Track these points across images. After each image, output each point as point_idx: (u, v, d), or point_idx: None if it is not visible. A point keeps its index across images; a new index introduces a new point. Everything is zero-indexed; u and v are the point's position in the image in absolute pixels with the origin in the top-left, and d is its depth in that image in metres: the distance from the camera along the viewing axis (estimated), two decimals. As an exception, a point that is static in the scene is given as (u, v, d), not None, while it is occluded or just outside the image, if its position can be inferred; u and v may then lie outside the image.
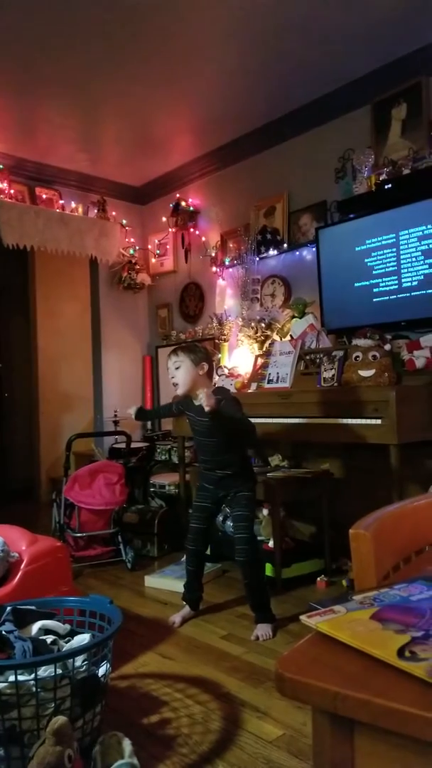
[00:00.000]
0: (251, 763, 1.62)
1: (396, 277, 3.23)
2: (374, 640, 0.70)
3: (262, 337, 3.98)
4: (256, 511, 2.66)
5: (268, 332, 3.97)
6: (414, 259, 3.15)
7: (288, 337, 3.79)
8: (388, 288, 3.28)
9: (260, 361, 3.74)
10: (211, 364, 2.60)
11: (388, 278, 3.27)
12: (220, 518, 3.28)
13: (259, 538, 3.30)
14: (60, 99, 3.73)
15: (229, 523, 3.08)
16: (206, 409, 2.27)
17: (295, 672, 0.67)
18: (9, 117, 3.93)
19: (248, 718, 1.85)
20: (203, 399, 2.26)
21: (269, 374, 3.42)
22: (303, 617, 0.78)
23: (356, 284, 3.42)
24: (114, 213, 4.97)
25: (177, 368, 2.50)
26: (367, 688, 0.62)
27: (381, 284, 3.31)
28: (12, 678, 1.46)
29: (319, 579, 3.02)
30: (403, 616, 0.77)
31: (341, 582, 3.00)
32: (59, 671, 1.51)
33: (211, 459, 2.59)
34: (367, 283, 3.37)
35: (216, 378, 3.97)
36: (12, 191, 4.41)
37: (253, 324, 4.02)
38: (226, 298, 4.61)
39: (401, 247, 3.20)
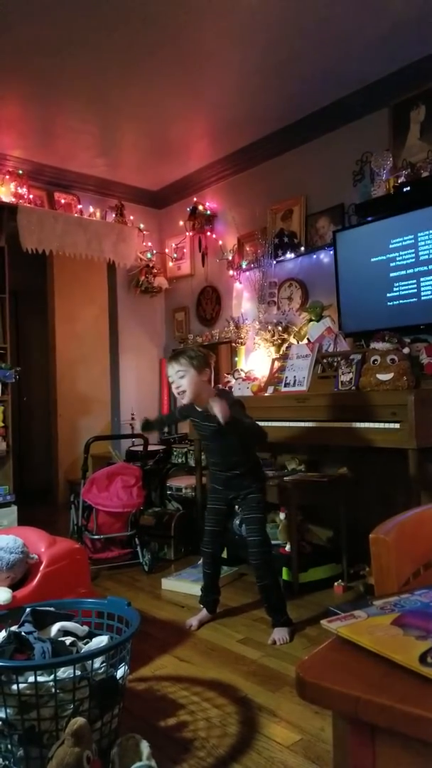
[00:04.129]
0: (268, 767, 1.62)
1: (414, 280, 3.20)
2: (396, 646, 0.70)
3: (279, 341, 3.97)
4: (267, 512, 2.66)
5: (285, 335, 3.96)
6: (433, 262, 3.12)
7: (305, 341, 3.78)
8: (406, 291, 3.25)
9: (277, 364, 3.73)
10: (211, 367, 2.57)
11: (407, 281, 3.24)
12: (237, 521, 3.28)
13: (275, 542, 3.29)
14: (78, 105, 3.77)
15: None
16: (221, 419, 2.26)
17: (315, 676, 0.67)
18: (28, 123, 3.99)
19: (265, 723, 1.84)
20: (217, 411, 2.25)
21: (286, 377, 3.41)
22: (323, 622, 0.78)
23: (374, 287, 3.40)
24: (132, 217, 5.01)
25: (182, 377, 2.43)
26: (388, 693, 0.62)
27: (399, 287, 3.28)
28: (32, 679, 1.47)
29: (336, 584, 3.01)
30: (424, 622, 0.76)
31: (358, 587, 2.98)
32: (78, 673, 1.52)
33: (220, 461, 2.60)
34: (386, 285, 3.34)
35: (232, 381, 3.98)
36: (31, 196, 4.46)
37: (270, 327, 4.02)
38: (242, 301, 4.61)
39: (420, 250, 3.17)
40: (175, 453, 4.58)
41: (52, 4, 2.81)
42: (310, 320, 3.82)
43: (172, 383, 2.49)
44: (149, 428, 2.92)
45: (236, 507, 2.75)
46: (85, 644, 1.75)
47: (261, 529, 2.53)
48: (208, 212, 4.82)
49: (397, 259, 3.28)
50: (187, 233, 4.99)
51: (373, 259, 3.40)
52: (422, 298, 3.17)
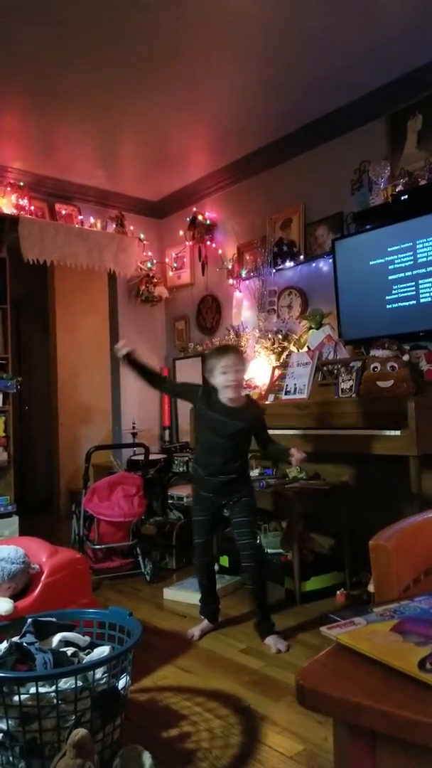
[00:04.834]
0: (272, 778, 1.61)
1: (413, 286, 3.22)
2: (395, 652, 0.70)
3: (279, 349, 3.98)
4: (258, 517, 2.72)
5: (285, 344, 3.97)
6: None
7: (305, 349, 3.79)
8: (405, 298, 3.26)
9: (277, 372, 3.74)
10: None
11: (406, 288, 3.26)
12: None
13: (277, 550, 3.28)
14: (79, 117, 3.81)
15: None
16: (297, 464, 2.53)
17: (315, 683, 0.67)
18: (29, 135, 4.02)
19: (268, 733, 1.83)
20: (295, 461, 2.53)
21: (287, 385, 3.41)
22: (323, 629, 0.78)
23: (373, 295, 3.41)
24: (132, 227, 5.03)
25: (238, 371, 2.49)
26: (388, 699, 0.62)
27: (398, 294, 3.30)
28: (33, 690, 1.47)
29: (338, 592, 2.99)
30: (424, 629, 0.76)
31: (361, 595, 2.96)
32: (80, 683, 1.51)
33: (219, 462, 2.56)
34: (385, 293, 3.36)
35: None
36: (32, 207, 4.49)
37: (270, 335, 4.03)
38: (242, 310, 4.63)
39: (419, 257, 3.19)
40: (176, 462, 4.57)
41: (52, 17, 2.84)
42: (310, 328, 3.82)
43: (225, 374, 2.46)
44: (130, 363, 2.64)
45: (225, 512, 2.69)
46: (87, 655, 1.75)
47: (254, 533, 2.58)
48: (208, 222, 4.84)
49: (396, 261, 3.30)
50: (187, 243, 5.01)
51: (371, 267, 3.41)
52: (421, 300, 3.18)
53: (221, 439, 2.55)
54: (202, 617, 2.71)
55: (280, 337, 3.99)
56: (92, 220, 4.85)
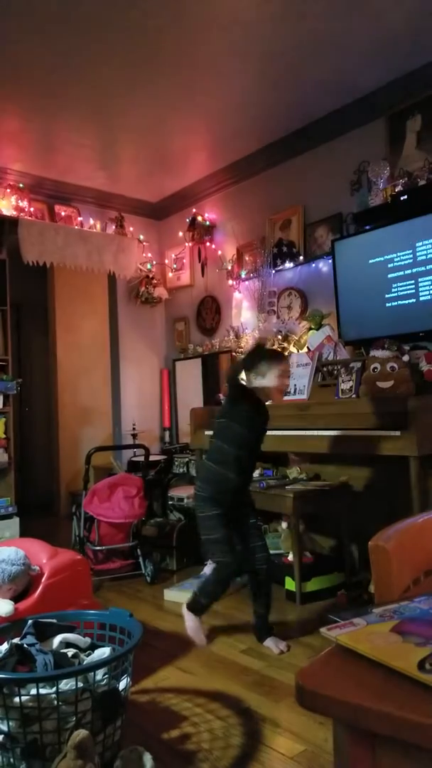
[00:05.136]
0: (273, 779, 1.61)
1: (413, 286, 3.22)
2: (394, 653, 0.70)
3: (279, 350, 3.98)
4: None
5: (285, 344, 3.97)
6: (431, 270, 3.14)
7: (305, 349, 3.79)
8: (405, 296, 3.27)
9: (277, 373, 3.73)
10: None
11: (405, 288, 3.26)
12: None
13: (278, 551, 3.29)
14: (78, 119, 3.81)
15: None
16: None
17: (315, 684, 0.67)
18: (29, 137, 4.02)
19: (269, 734, 1.83)
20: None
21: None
22: (323, 630, 0.78)
23: (373, 295, 3.41)
24: (131, 229, 5.04)
25: (289, 377, 2.53)
26: (387, 700, 0.62)
27: (398, 293, 3.30)
28: (34, 691, 1.47)
29: (339, 593, 2.99)
30: (423, 629, 0.76)
31: (362, 596, 2.96)
32: (80, 685, 1.51)
33: (251, 464, 2.54)
34: (384, 291, 3.36)
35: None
36: (32, 209, 4.50)
37: (269, 336, 4.03)
38: (242, 310, 4.63)
39: (418, 257, 3.19)
40: (176, 463, 4.57)
41: (52, 19, 2.84)
42: (310, 329, 3.83)
43: (281, 377, 2.45)
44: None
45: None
46: (88, 656, 1.75)
47: (264, 535, 2.62)
48: (207, 223, 4.85)
49: (395, 260, 3.30)
50: (187, 244, 5.01)
51: (371, 268, 3.41)
52: (420, 299, 3.18)
53: (257, 441, 2.53)
54: (193, 614, 2.63)
55: (279, 337, 3.99)
56: (92, 221, 4.86)
